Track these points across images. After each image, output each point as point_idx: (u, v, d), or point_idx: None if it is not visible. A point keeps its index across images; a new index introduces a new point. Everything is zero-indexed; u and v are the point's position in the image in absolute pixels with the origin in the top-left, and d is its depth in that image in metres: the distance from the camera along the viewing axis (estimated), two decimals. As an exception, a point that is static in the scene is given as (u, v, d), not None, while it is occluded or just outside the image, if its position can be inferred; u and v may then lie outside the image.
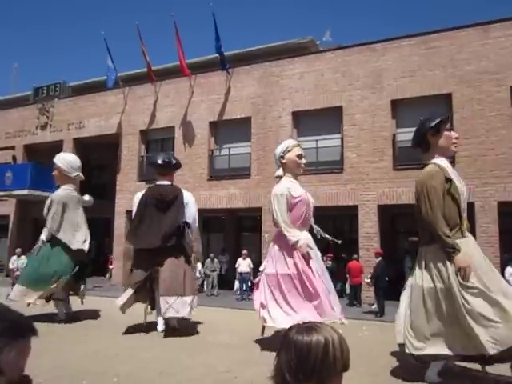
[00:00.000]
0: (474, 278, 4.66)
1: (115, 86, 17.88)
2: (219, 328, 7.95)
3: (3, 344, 1.03)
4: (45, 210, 8.86)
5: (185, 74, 16.22)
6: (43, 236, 8.78)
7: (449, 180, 4.97)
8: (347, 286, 14.14)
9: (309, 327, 1.22)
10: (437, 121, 5.22)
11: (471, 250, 4.89)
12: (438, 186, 4.89)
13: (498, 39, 12.38)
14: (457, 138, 5.37)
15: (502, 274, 11.29)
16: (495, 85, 12.23)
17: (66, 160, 9.28)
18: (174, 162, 8.33)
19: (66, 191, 8.99)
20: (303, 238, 6.42)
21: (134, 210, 8.00)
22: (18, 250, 15.18)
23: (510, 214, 12.25)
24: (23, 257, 14.82)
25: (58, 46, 71.34)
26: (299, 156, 6.84)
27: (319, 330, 1.20)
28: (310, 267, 6.30)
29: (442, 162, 5.19)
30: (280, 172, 6.92)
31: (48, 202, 8.90)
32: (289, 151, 6.84)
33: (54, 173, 9.25)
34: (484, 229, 11.76)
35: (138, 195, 8.06)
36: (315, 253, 6.58)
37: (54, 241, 8.64)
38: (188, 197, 8.04)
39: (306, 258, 6.32)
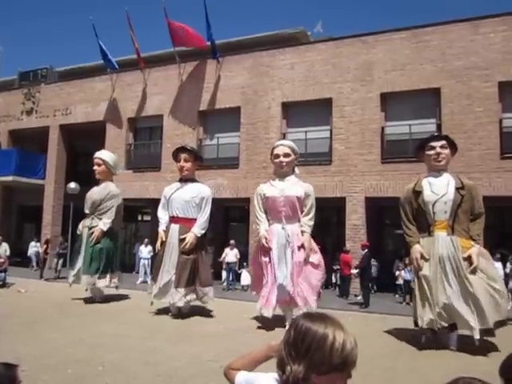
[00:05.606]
0: (426, 268, 6.06)
1: (114, 70, 17.52)
2: (205, 317, 7.96)
3: None
4: (105, 202, 9.51)
5: (200, 44, 15.77)
6: (104, 227, 9.27)
7: (417, 191, 6.28)
8: (333, 277, 14.26)
9: (316, 316, 1.31)
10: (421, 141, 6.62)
11: (433, 245, 6.08)
12: (402, 200, 6.55)
13: (488, 35, 12.44)
14: (438, 154, 6.29)
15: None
16: (484, 80, 12.31)
17: (112, 157, 10.11)
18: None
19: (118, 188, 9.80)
20: (262, 229, 7.29)
21: None
22: None
23: (494, 208, 12.39)
24: (4, 244, 14.52)
25: (45, 31, 70.02)
26: (275, 156, 7.48)
27: (324, 321, 1.27)
28: (267, 257, 7.14)
29: (425, 176, 6.49)
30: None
31: (109, 195, 9.57)
32: (271, 155, 7.65)
33: (100, 168, 9.74)
34: (469, 223, 11.87)
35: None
36: (278, 242, 7.10)
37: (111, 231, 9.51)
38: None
39: (265, 248, 7.15)
